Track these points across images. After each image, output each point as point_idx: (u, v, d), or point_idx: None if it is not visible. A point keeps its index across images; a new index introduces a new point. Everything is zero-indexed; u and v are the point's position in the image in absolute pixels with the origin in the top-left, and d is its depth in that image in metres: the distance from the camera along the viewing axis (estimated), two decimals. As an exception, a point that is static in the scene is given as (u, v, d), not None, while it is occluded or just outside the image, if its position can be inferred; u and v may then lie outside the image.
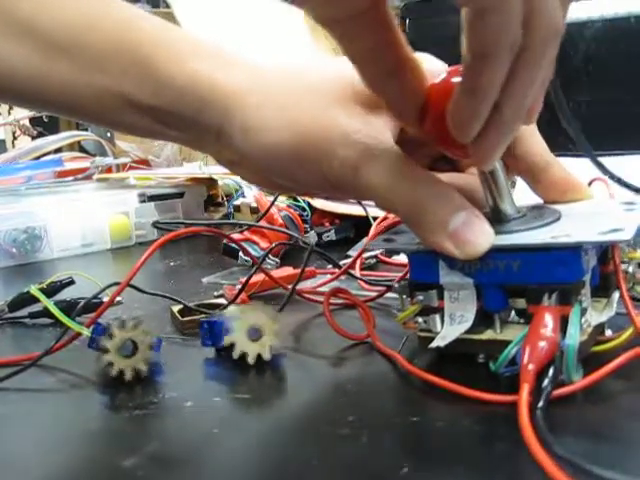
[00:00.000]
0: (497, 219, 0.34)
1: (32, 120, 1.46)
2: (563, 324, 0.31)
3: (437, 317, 0.34)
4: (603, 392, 0.31)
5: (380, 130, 0.34)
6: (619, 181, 0.40)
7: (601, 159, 0.55)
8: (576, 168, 0.43)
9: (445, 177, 0.36)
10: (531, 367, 0.28)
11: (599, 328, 0.34)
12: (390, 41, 0.30)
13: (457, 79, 0.30)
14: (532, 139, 0.37)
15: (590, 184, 0.40)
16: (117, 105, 0.37)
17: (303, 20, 1.61)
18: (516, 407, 0.27)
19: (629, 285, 0.35)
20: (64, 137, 1.26)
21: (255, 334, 0.38)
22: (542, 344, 0.29)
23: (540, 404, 0.27)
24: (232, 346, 0.38)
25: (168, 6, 1.56)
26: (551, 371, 0.28)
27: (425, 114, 0.32)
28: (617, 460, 0.26)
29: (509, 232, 0.33)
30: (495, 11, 0.25)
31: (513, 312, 0.34)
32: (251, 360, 0.37)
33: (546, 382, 0.28)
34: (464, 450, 0.27)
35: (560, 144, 0.40)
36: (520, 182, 0.39)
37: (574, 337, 0.30)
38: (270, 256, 0.57)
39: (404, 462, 0.26)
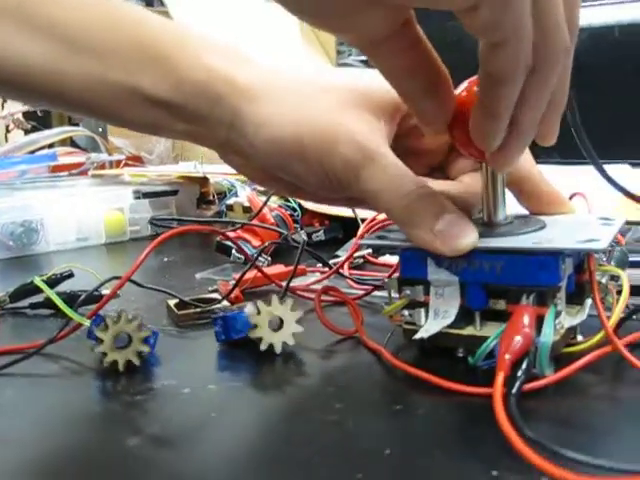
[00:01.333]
0: (487, 223, 0.37)
1: (25, 114, 1.47)
2: (539, 324, 0.33)
3: (422, 311, 0.37)
4: (573, 386, 0.33)
5: (382, 137, 0.37)
6: (622, 190, 0.42)
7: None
8: (578, 176, 0.46)
9: (437, 183, 0.39)
10: (507, 357, 0.31)
11: (571, 331, 0.37)
12: (423, 58, 0.33)
13: (477, 88, 0.32)
14: None
15: (571, 198, 0.43)
16: (132, 100, 0.38)
17: (296, 24, 1.63)
18: (491, 398, 0.29)
19: (601, 295, 0.37)
20: (59, 132, 1.27)
21: (275, 325, 0.40)
22: (518, 338, 0.32)
23: (513, 391, 0.29)
24: (254, 338, 0.40)
25: (163, 5, 1.58)
26: (525, 363, 0.31)
27: (452, 123, 0.35)
28: (583, 444, 0.28)
29: (496, 236, 0.36)
30: (510, 42, 0.28)
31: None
32: (277, 349, 0.39)
33: (520, 372, 0.30)
34: (442, 435, 0.30)
35: (566, 152, 0.43)
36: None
37: (548, 335, 0.32)
38: (262, 254, 0.59)
39: (387, 445, 0.28)
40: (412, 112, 0.36)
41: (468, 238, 0.34)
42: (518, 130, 0.32)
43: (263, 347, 0.39)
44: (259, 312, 0.39)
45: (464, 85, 0.35)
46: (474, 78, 0.34)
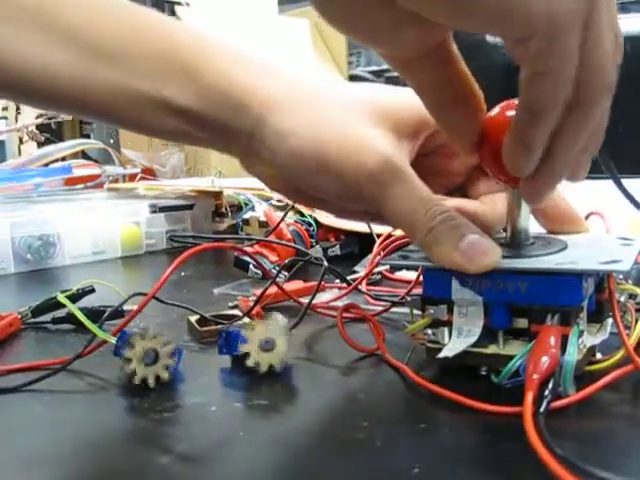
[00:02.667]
0: (510, 244, 0.38)
1: (39, 126, 1.49)
2: (562, 343, 0.34)
3: (445, 330, 0.37)
4: (595, 405, 0.34)
5: (406, 155, 0.37)
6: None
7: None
8: (595, 190, 0.46)
9: (458, 202, 0.39)
10: (535, 377, 0.31)
11: (591, 350, 0.37)
12: (455, 74, 0.33)
13: (511, 113, 0.33)
14: None
15: (587, 218, 0.43)
16: (155, 108, 0.39)
17: (306, 32, 1.64)
18: (514, 417, 0.30)
19: (620, 314, 0.38)
20: (73, 144, 1.28)
21: (268, 345, 0.40)
22: (545, 358, 0.32)
23: (542, 410, 0.30)
24: (246, 355, 0.40)
25: (175, 16, 1.59)
26: (551, 383, 0.31)
27: (481, 144, 0.36)
28: (607, 463, 0.28)
29: (520, 257, 0.37)
30: (553, 74, 0.28)
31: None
32: (263, 369, 0.40)
33: (547, 392, 0.31)
34: (468, 453, 0.30)
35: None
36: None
37: (572, 355, 0.33)
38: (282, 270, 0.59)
39: (416, 463, 0.29)
40: (440, 127, 0.36)
41: (492, 256, 0.35)
42: (552, 165, 0.32)
43: (250, 363, 0.40)
44: (247, 341, 0.40)
45: (497, 108, 0.36)
46: (507, 102, 0.35)
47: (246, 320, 0.49)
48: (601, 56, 0.28)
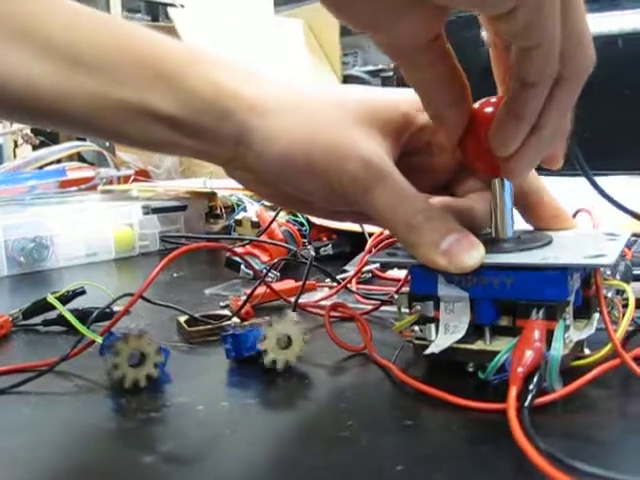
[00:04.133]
0: (495, 239, 0.38)
1: (34, 129, 1.49)
2: (548, 338, 0.34)
3: (432, 326, 0.37)
4: (581, 400, 0.34)
5: (389, 154, 0.38)
6: (613, 202, 0.43)
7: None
8: (570, 188, 0.47)
9: (444, 200, 0.40)
10: (520, 370, 0.31)
11: (578, 345, 0.37)
12: (451, 72, 0.34)
13: (490, 109, 0.35)
14: None
15: (575, 215, 0.43)
16: (139, 117, 0.38)
17: (301, 33, 1.64)
18: (499, 414, 0.30)
19: (608, 309, 0.38)
20: (68, 147, 1.28)
21: (284, 342, 0.40)
22: (530, 352, 0.32)
23: (526, 404, 0.30)
24: (263, 354, 0.40)
25: (169, 19, 1.59)
26: (536, 377, 0.32)
27: (466, 136, 0.36)
28: (593, 458, 0.28)
29: (505, 252, 0.37)
30: (542, 47, 0.30)
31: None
32: (280, 366, 0.40)
33: (531, 386, 0.31)
34: (453, 450, 0.30)
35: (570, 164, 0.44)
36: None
37: (558, 349, 0.33)
38: (271, 270, 0.59)
39: (399, 461, 0.29)
40: (434, 122, 0.37)
41: (474, 256, 0.35)
42: (539, 137, 0.33)
43: (266, 362, 0.40)
44: (264, 338, 0.40)
45: (482, 101, 0.37)
46: (489, 98, 0.36)
47: (235, 320, 0.49)
48: (583, 23, 0.31)
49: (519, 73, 0.31)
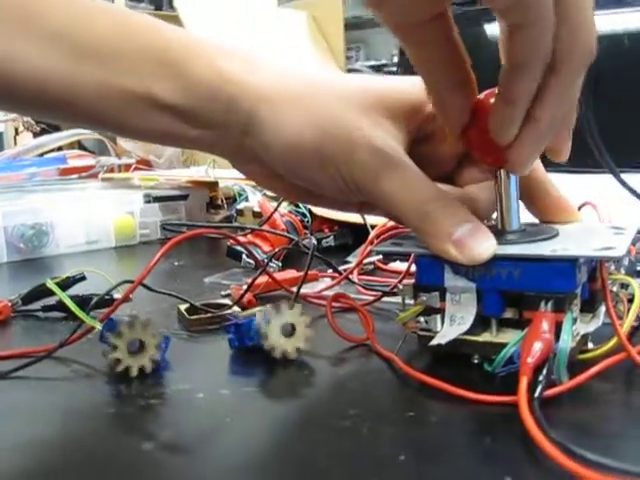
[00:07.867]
0: (501, 231, 0.38)
1: (35, 117, 1.48)
2: (556, 330, 0.33)
3: (438, 317, 0.37)
4: (587, 393, 0.33)
5: (399, 142, 0.37)
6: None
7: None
8: (591, 185, 0.46)
9: (448, 189, 0.39)
10: (530, 361, 0.31)
11: (584, 339, 0.37)
12: (455, 53, 0.34)
13: (494, 100, 0.34)
14: None
15: (580, 208, 0.43)
16: (144, 107, 0.38)
17: (305, 26, 1.64)
18: (502, 406, 0.30)
19: (613, 303, 0.37)
20: (69, 135, 1.27)
21: (288, 330, 0.40)
22: (539, 343, 0.32)
23: (536, 394, 0.29)
24: (263, 339, 0.40)
25: (172, 8, 1.59)
26: (545, 368, 0.31)
27: (470, 126, 0.36)
28: (600, 450, 0.28)
29: (513, 243, 0.36)
30: (530, 26, 0.29)
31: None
32: (292, 354, 0.39)
33: (541, 377, 0.31)
34: (455, 441, 0.30)
35: (581, 161, 0.43)
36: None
37: (566, 341, 0.33)
38: (273, 259, 0.59)
39: (401, 451, 0.29)
40: (436, 108, 0.37)
41: (487, 248, 0.34)
42: (536, 127, 0.33)
43: (278, 355, 0.39)
44: (269, 322, 0.40)
45: (486, 91, 0.36)
46: (494, 89, 0.35)
47: (236, 309, 0.49)
48: (583, 13, 0.30)
49: (508, 52, 0.31)
